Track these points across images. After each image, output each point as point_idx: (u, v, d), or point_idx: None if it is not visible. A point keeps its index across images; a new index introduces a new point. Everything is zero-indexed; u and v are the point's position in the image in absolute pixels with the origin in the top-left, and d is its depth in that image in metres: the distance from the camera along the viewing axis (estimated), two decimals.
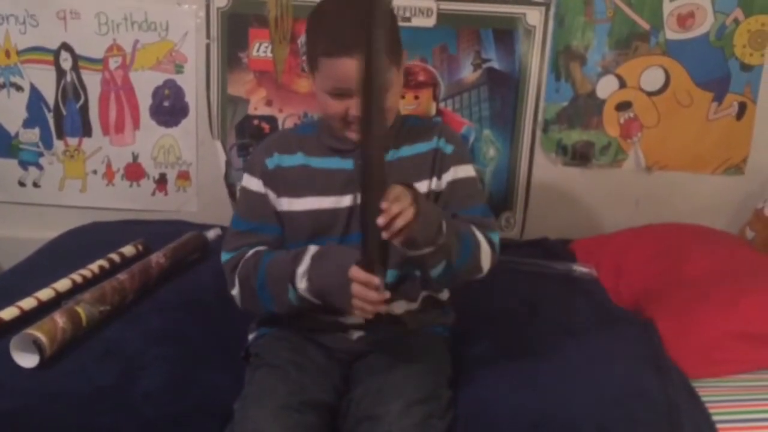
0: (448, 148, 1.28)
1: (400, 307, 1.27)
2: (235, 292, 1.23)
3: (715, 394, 1.25)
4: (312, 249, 1.17)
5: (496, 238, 1.26)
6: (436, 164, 1.27)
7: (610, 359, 1.33)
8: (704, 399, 1.23)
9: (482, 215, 1.27)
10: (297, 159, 1.27)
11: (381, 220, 1.00)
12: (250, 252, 1.22)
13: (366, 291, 1.05)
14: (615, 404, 1.20)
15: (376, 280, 1.04)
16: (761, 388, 1.26)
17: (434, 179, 1.27)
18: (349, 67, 1.12)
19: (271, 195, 1.27)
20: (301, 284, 1.14)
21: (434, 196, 1.27)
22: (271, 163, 1.27)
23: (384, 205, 1.00)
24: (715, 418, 1.20)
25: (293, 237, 1.26)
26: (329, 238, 1.23)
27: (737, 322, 1.34)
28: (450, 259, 1.14)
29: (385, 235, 1.02)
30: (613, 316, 1.51)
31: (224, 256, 1.25)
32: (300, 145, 1.28)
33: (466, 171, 1.29)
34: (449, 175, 1.27)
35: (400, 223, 1.01)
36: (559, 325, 1.46)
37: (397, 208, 1.01)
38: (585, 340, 1.40)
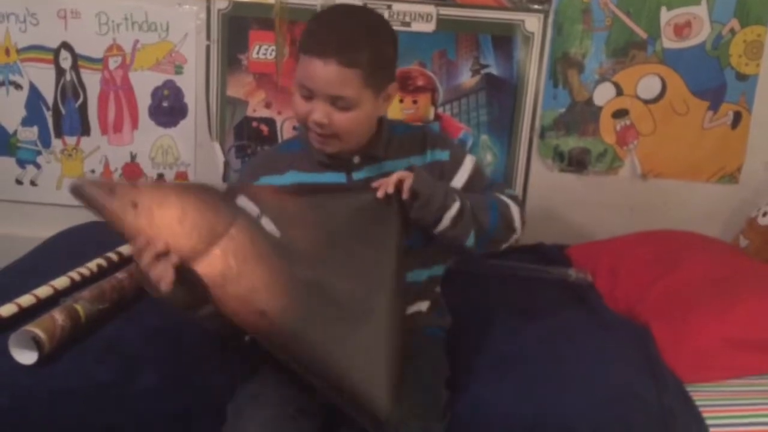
0: (444, 155, 1.29)
1: (418, 307, 1.29)
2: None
3: (709, 399, 1.26)
4: None
5: (514, 192, 1.31)
6: (441, 176, 1.27)
7: (605, 364, 1.34)
8: (698, 403, 1.25)
9: (495, 186, 1.32)
10: (288, 177, 1.27)
11: (376, 184, 1.10)
12: None
13: (145, 271, 1.00)
14: (610, 408, 1.22)
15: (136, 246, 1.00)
16: (754, 393, 1.28)
17: None
18: (317, 68, 1.12)
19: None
20: None
21: None
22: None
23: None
24: (708, 422, 1.21)
25: None
26: None
27: (731, 328, 1.35)
28: (480, 226, 1.17)
29: (380, 192, 1.09)
30: (609, 321, 1.52)
31: None
32: (289, 163, 1.28)
33: (468, 164, 1.30)
34: (459, 180, 1.29)
35: (394, 177, 1.09)
36: (555, 330, 1.47)
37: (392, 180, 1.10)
38: (580, 345, 1.41)
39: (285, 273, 1.03)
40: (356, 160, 1.25)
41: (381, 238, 1.10)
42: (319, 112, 1.15)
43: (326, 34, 1.14)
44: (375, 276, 1.07)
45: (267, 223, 1.06)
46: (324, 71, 1.11)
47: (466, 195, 1.20)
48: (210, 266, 0.99)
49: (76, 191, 1.00)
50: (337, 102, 1.14)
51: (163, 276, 0.98)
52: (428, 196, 1.12)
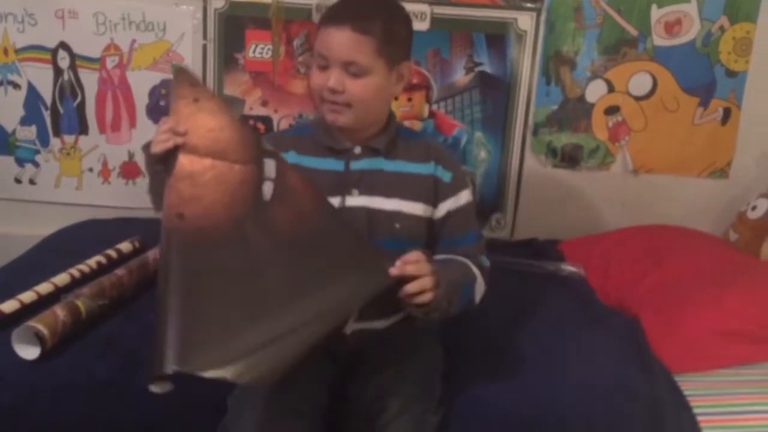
0: (447, 176, 1.29)
1: (381, 324, 1.28)
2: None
3: (697, 388, 1.30)
4: None
5: (486, 262, 1.30)
6: (434, 193, 1.28)
7: (598, 355, 1.37)
8: (686, 393, 1.28)
9: (475, 243, 1.31)
10: (289, 158, 1.28)
11: (395, 270, 1.06)
12: None
13: (160, 133, 1.13)
14: (601, 398, 1.25)
15: (167, 125, 1.13)
16: (741, 382, 1.31)
17: (431, 207, 1.29)
18: (332, 35, 1.18)
19: None
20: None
21: (428, 222, 1.29)
22: None
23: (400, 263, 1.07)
24: (696, 410, 1.25)
25: None
26: None
27: (719, 320, 1.38)
28: (450, 310, 1.18)
29: (395, 271, 1.06)
30: (600, 314, 1.55)
31: None
32: (294, 144, 1.31)
33: (464, 198, 1.31)
34: (447, 206, 1.29)
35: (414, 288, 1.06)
36: (548, 322, 1.50)
37: (413, 268, 1.07)
38: (573, 337, 1.44)
39: (239, 224, 1.07)
40: (357, 150, 1.28)
41: (352, 287, 1.06)
42: (333, 79, 1.19)
43: (342, 6, 1.22)
44: (315, 305, 1.01)
45: (267, 187, 1.13)
46: (338, 37, 1.18)
47: (451, 283, 1.16)
48: (190, 162, 1.10)
49: (179, 71, 1.23)
50: (350, 68, 1.19)
51: (164, 142, 1.12)
52: (432, 312, 1.12)
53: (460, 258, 1.27)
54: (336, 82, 1.19)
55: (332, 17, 1.20)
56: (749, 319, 1.38)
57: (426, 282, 1.08)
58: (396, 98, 2.01)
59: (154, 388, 0.91)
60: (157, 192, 1.16)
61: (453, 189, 1.29)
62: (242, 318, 0.96)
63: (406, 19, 1.29)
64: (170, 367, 0.88)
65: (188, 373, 0.88)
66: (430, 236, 1.30)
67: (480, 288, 1.27)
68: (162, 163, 1.14)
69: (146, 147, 1.16)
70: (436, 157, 1.30)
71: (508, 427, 1.21)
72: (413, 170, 1.29)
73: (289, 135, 1.37)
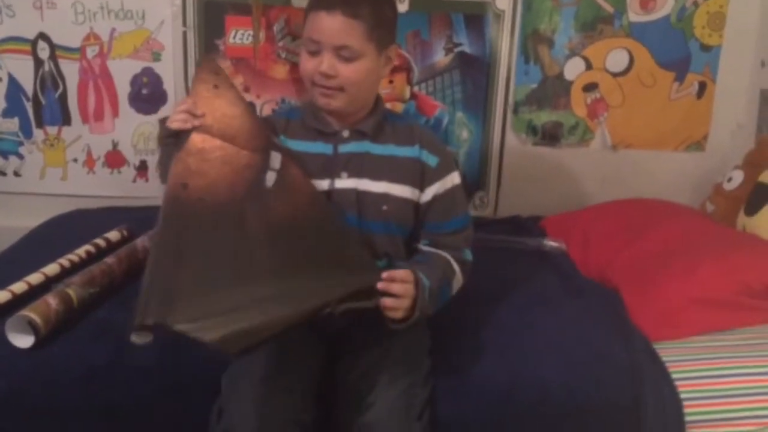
0: (432, 161, 1.31)
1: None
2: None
3: (675, 355, 1.34)
4: None
5: (468, 256, 1.33)
6: (420, 176, 1.30)
7: (578, 326, 1.41)
8: (664, 359, 1.32)
9: (461, 228, 1.33)
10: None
11: (381, 285, 1.10)
12: None
13: (178, 111, 1.19)
14: (582, 367, 1.29)
15: (186, 104, 1.19)
16: (716, 347, 1.35)
17: (417, 191, 1.31)
18: (323, 20, 1.20)
19: None
20: None
21: (415, 206, 1.31)
22: None
23: (386, 276, 1.11)
24: (674, 375, 1.29)
25: None
26: None
27: (695, 289, 1.43)
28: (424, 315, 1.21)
29: (381, 285, 1.10)
30: (581, 287, 1.59)
31: None
32: (284, 127, 1.32)
33: (451, 181, 1.33)
34: (433, 190, 1.31)
35: (391, 303, 1.11)
36: (531, 296, 1.54)
37: (398, 288, 1.11)
38: (554, 310, 1.48)
39: (238, 203, 1.13)
40: (345, 134, 1.30)
41: (335, 284, 1.09)
42: (326, 63, 1.21)
43: None
44: (295, 287, 1.06)
45: (270, 176, 1.20)
46: (329, 22, 1.19)
47: (432, 291, 1.20)
48: (201, 140, 1.17)
49: (206, 59, 1.40)
50: (342, 52, 1.21)
51: (182, 121, 1.18)
52: (407, 325, 1.17)
53: (443, 254, 1.29)
54: (328, 66, 1.21)
55: (322, 2, 1.21)
56: (723, 287, 1.42)
57: (404, 303, 1.13)
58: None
59: (135, 339, 0.98)
60: (165, 165, 1.21)
61: (439, 173, 1.31)
62: (225, 280, 1.02)
63: (391, 2, 1.31)
64: (150, 319, 0.94)
65: (166, 326, 0.94)
66: (417, 220, 1.32)
67: (458, 283, 1.31)
68: (174, 137, 1.19)
69: (163, 121, 1.22)
70: (421, 141, 1.32)
71: (493, 397, 1.25)
72: (400, 153, 1.31)
73: (279, 118, 1.37)
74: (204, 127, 1.18)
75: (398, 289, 1.12)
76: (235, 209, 1.12)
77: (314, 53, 1.23)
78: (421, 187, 1.31)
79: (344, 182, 1.27)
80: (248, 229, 1.11)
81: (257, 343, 1.00)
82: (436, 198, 1.31)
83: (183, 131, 1.18)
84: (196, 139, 1.16)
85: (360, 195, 1.27)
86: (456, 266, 1.30)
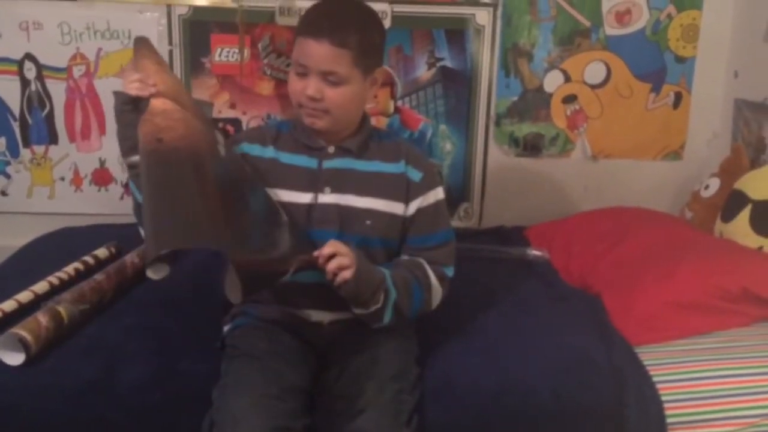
0: (416, 176, 1.34)
1: (322, 317, 1.34)
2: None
3: (656, 358, 1.37)
4: None
5: (449, 272, 1.36)
6: (405, 191, 1.33)
7: (562, 332, 1.44)
8: (646, 363, 1.35)
9: (443, 242, 1.36)
10: (268, 152, 1.35)
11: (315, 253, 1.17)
12: None
13: (132, 79, 1.22)
14: (567, 372, 1.32)
15: (135, 75, 1.23)
16: (696, 350, 1.39)
17: (402, 205, 1.33)
18: (311, 47, 1.24)
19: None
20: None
21: (401, 221, 1.34)
22: (245, 148, 1.35)
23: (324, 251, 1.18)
24: (655, 378, 1.32)
25: None
26: None
27: (674, 293, 1.46)
28: (401, 313, 1.26)
29: (321, 261, 1.18)
30: (564, 294, 1.63)
31: None
32: (274, 140, 1.36)
33: (434, 196, 1.36)
34: (416, 204, 1.34)
35: (333, 265, 1.17)
36: (515, 304, 1.58)
37: (330, 250, 1.17)
38: (538, 316, 1.52)
39: (205, 155, 1.21)
40: (330, 149, 1.33)
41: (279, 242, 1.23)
42: (312, 87, 1.25)
43: (320, 19, 1.26)
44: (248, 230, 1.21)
45: (221, 148, 1.29)
46: (317, 50, 1.23)
47: (396, 281, 1.26)
48: (162, 102, 1.22)
49: (142, 39, 1.38)
50: (328, 77, 1.24)
51: (138, 89, 1.21)
52: (355, 295, 1.22)
53: (417, 260, 1.32)
54: (315, 90, 1.25)
55: (311, 29, 1.24)
56: (702, 291, 1.46)
57: (344, 260, 1.17)
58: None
59: (152, 274, 1.08)
60: (124, 135, 1.25)
61: (423, 188, 1.34)
62: (203, 209, 1.12)
63: (380, 27, 1.34)
64: (155, 252, 1.03)
65: (173, 249, 1.06)
66: (402, 235, 1.35)
67: (437, 295, 1.33)
68: (132, 105, 1.23)
69: (117, 93, 1.25)
70: (407, 157, 1.35)
71: (480, 402, 1.28)
72: (384, 169, 1.34)
73: (271, 129, 1.41)
74: (160, 93, 1.23)
75: (328, 249, 1.17)
76: (204, 160, 1.20)
77: (302, 75, 1.26)
78: (406, 201, 1.34)
79: (327, 197, 1.30)
80: (214, 176, 1.20)
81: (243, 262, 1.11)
82: (419, 212, 1.34)
83: (140, 99, 1.21)
84: (157, 103, 1.22)
85: (342, 210, 1.30)
86: (431, 274, 1.32)
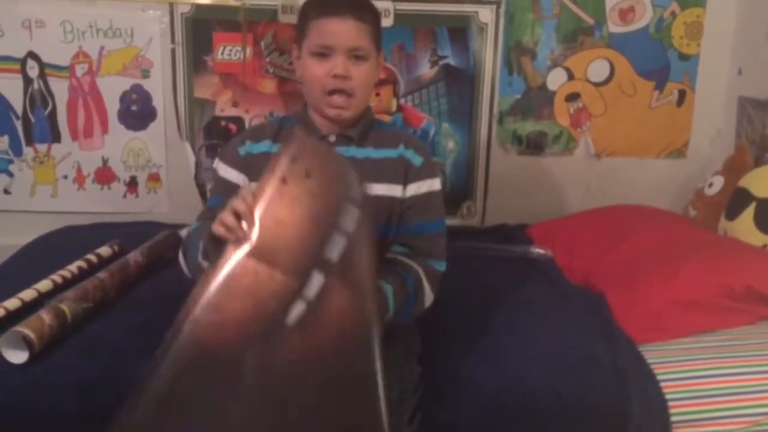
0: (417, 160, 1.34)
1: None
2: (180, 259, 1.29)
3: (659, 357, 1.37)
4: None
5: (441, 267, 1.34)
6: (404, 174, 1.34)
7: (565, 331, 1.44)
8: (649, 361, 1.35)
9: (436, 233, 1.35)
10: (263, 146, 1.34)
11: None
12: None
13: (227, 214, 1.00)
14: (569, 370, 1.32)
15: (241, 206, 0.99)
16: (700, 349, 1.38)
17: (401, 187, 1.34)
18: (335, 26, 1.25)
19: (245, 180, 1.33)
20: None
21: (399, 203, 1.34)
22: (242, 150, 1.35)
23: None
24: (659, 377, 1.32)
25: None
26: None
27: (678, 292, 1.46)
28: (395, 317, 1.24)
29: None
30: (567, 292, 1.62)
31: (192, 225, 1.33)
32: (271, 133, 1.36)
33: (430, 185, 1.35)
34: (413, 188, 1.34)
35: None
36: (518, 303, 1.57)
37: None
38: (542, 315, 1.51)
39: (242, 348, 0.98)
40: (332, 138, 1.33)
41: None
42: (340, 66, 1.26)
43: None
44: None
45: (297, 309, 0.99)
46: (342, 26, 1.25)
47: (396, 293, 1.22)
48: (236, 259, 0.97)
49: (299, 137, 1.05)
50: (355, 53, 1.27)
51: (227, 232, 0.98)
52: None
53: (411, 264, 1.30)
54: (343, 68, 1.26)
55: (331, 9, 1.26)
56: (706, 289, 1.45)
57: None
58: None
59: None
60: (193, 255, 1.17)
61: (422, 174, 1.35)
62: None
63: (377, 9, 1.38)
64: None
65: None
66: (399, 221, 1.35)
67: (428, 297, 1.31)
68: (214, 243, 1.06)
69: (209, 225, 1.06)
70: (406, 142, 1.36)
71: (483, 401, 1.27)
72: (383, 155, 1.34)
73: (272, 124, 1.41)
74: (255, 248, 0.97)
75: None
76: (236, 356, 0.96)
77: (324, 57, 1.27)
78: (404, 183, 1.34)
79: None
80: (240, 382, 0.97)
81: None
82: (415, 197, 1.34)
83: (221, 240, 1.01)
84: (230, 259, 0.97)
85: None
86: (424, 281, 1.29)
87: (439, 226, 1.37)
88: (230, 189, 1.30)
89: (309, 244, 1.00)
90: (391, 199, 1.33)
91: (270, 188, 0.99)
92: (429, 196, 1.35)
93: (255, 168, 1.31)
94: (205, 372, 0.95)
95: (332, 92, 1.28)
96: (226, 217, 0.98)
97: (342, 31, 1.25)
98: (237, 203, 0.99)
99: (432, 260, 1.33)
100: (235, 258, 0.96)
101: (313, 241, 1.00)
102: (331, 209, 1.02)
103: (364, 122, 1.36)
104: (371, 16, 1.30)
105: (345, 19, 1.25)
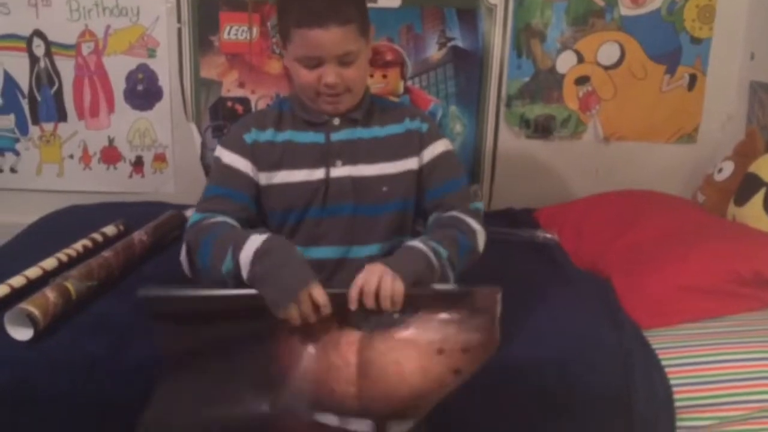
0: (424, 127, 1.34)
1: None
2: (182, 257, 1.27)
3: (665, 342, 1.36)
4: (254, 240, 1.14)
5: (480, 207, 1.35)
6: (418, 143, 1.33)
7: (571, 315, 1.43)
8: (655, 347, 1.34)
9: (464, 188, 1.35)
10: (268, 134, 1.31)
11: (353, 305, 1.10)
12: (212, 220, 1.24)
13: (312, 313, 1.09)
14: (575, 354, 1.31)
15: (329, 309, 1.09)
16: (705, 335, 1.37)
17: (416, 158, 1.32)
18: (320, 37, 1.18)
19: (253, 169, 1.29)
20: (243, 272, 1.13)
21: (417, 175, 1.32)
22: (249, 138, 1.30)
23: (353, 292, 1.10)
24: (664, 363, 1.31)
25: (274, 210, 1.32)
26: (310, 211, 1.29)
27: (685, 277, 1.44)
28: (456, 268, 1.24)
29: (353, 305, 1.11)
30: (574, 277, 1.61)
31: (193, 217, 1.28)
32: (273, 120, 1.33)
33: (443, 145, 1.35)
34: (430, 152, 1.33)
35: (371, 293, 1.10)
36: (525, 286, 1.55)
37: (354, 290, 1.10)
38: (548, 299, 1.50)
39: None
40: (336, 122, 1.31)
41: None
42: (331, 75, 1.22)
43: (316, 4, 1.19)
44: None
45: None
46: (327, 37, 1.18)
47: (441, 243, 1.22)
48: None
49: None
50: (344, 59, 1.22)
51: (297, 319, 1.09)
52: (419, 275, 1.16)
53: (450, 214, 1.30)
54: (334, 78, 1.21)
55: (312, 19, 1.18)
56: (713, 275, 1.44)
57: (370, 282, 1.10)
58: (371, 76, 2.06)
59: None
60: (206, 260, 1.19)
61: (432, 136, 1.34)
62: None
63: None
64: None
65: None
66: (419, 190, 1.33)
67: (481, 238, 1.32)
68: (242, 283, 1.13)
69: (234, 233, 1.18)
70: (411, 114, 1.35)
71: (487, 383, 1.25)
72: (390, 132, 1.33)
73: (270, 111, 1.37)
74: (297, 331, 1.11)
75: (353, 292, 1.10)
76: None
77: (313, 66, 1.22)
78: (419, 151, 1.33)
79: (339, 170, 1.28)
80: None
81: None
82: (435, 158, 1.33)
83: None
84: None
85: (356, 181, 1.28)
86: (474, 223, 1.30)
87: (465, 181, 1.38)
88: (236, 177, 1.28)
89: None
90: (405, 174, 1.31)
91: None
92: (446, 155, 1.35)
93: (261, 156, 1.29)
94: None
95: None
96: (306, 303, 1.07)
97: (327, 41, 1.18)
98: (322, 294, 1.08)
99: (467, 206, 1.33)
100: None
101: None
102: None
103: (366, 102, 1.33)
104: (354, 8, 1.20)
105: (329, 28, 1.17)
